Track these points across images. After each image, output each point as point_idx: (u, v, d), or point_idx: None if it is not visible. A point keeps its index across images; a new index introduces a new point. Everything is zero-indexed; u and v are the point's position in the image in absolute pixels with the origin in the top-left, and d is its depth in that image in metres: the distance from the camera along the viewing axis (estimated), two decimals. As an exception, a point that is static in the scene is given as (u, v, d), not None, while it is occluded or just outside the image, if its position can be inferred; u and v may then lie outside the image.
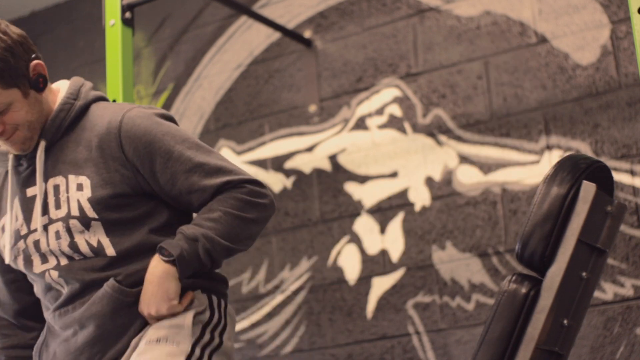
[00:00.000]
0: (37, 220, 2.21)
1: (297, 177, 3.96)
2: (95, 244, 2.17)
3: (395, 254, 3.72)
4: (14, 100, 2.17)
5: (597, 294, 3.32)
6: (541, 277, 2.06)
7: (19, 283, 2.36)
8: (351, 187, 3.85)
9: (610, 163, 3.35)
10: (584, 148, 3.46)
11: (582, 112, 3.49)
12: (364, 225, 3.79)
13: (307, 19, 4.06)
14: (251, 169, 4.04)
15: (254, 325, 3.92)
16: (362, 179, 3.84)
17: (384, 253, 3.74)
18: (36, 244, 2.21)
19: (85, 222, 2.17)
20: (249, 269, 3.97)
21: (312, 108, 3.99)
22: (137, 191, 2.20)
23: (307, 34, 4.04)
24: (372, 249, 3.76)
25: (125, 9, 3.24)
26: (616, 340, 3.30)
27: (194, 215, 2.26)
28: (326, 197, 3.88)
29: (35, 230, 2.21)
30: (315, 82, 4.00)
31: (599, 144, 3.45)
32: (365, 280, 3.75)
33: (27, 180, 2.25)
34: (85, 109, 2.26)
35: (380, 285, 3.72)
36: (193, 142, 2.21)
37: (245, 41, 4.19)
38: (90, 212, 2.17)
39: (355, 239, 3.80)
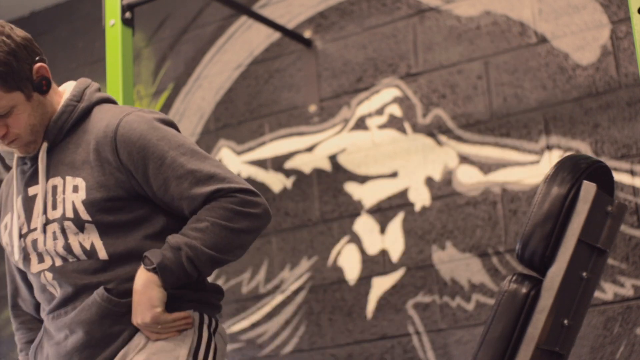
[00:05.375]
0: (36, 219, 2.22)
1: (297, 177, 3.96)
2: (88, 246, 2.17)
3: (395, 254, 3.72)
4: (17, 104, 2.17)
5: (597, 294, 3.32)
6: (541, 277, 2.06)
7: None
8: (351, 187, 3.85)
9: (610, 163, 3.35)
10: (584, 148, 3.46)
11: (582, 112, 3.49)
12: (364, 225, 3.79)
13: (307, 19, 4.06)
14: (251, 169, 4.04)
15: (254, 325, 3.92)
16: (362, 179, 3.84)
17: (384, 253, 3.74)
18: (34, 243, 2.22)
19: (79, 224, 2.17)
20: (249, 269, 3.97)
21: (312, 108, 3.99)
22: (132, 195, 2.19)
23: (307, 34, 4.04)
24: (372, 249, 3.76)
25: (125, 9, 3.24)
26: (616, 340, 3.30)
27: None
28: (326, 197, 3.88)
29: (35, 229, 2.22)
30: (315, 82, 4.00)
31: (599, 144, 3.45)
32: (365, 280, 3.75)
33: (30, 179, 2.26)
34: (88, 111, 2.26)
35: (380, 285, 3.72)
36: (188, 148, 2.19)
37: (245, 41, 4.19)
38: (84, 215, 2.17)
39: (355, 239, 3.80)
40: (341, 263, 3.81)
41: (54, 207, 2.20)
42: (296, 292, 3.85)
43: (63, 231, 2.18)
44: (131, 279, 2.15)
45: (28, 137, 2.21)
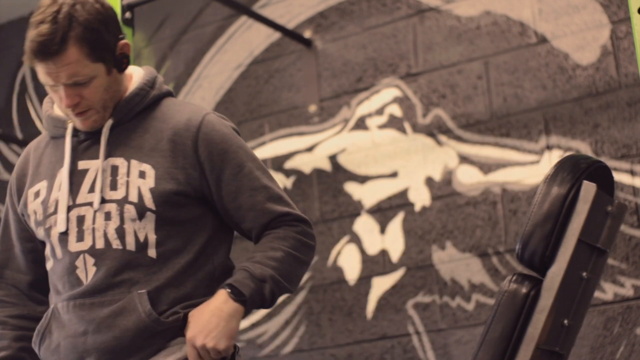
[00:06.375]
0: (85, 195, 2.15)
1: (297, 177, 3.96)
2: (142, 238, 2.13)
3: (395, 254, 3.72)
4: (97, 75, 2.13)
5: (597, 294, 3.32)
6: (541, 277, 2.06)
7: (37, 254, 2.27)
8: (351, 187, 3.85)
9: (610, 163, 3.35)
10: (584, 148, 3.46)
11: (582, 112, 3.49)
12: (364, 225, 3.79)
13: (307, 19, 4.06)
14: (251, 169, 4.04)
15: (254, 325, 3.92)
16: (362, 179, 3.84)
17: (384, 253, 3.74)
18: (80, 219, 2.14)
19: (141, 212, 2.13)
20: (249, 269, 3.97)
21: (312, 108, 3.99)
22: (197, 194, 2.18)
23: (307, 34, 4.04)
24: (372, 249, 3.76)
25: (125, 9, 3.24)
26: (616, 340, 3.30)
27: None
28: (326, 197, 3.88)
29: (82, 204, 2.14)
30: (315, 82, 4.00)
31: (599, 144, 3.45)
32: (365, 280, 3.75)
33: (82, 153, 2.19)
34: (158, 100, 2.25)
35: (380, 285, 3.72)
36: (260, 164, 2.23)
37: (245, 41, 4.19)
38: (149, 203, 2.13)
39: (355, 239, 3.80)
40: (341, 263, 3.81)
41: (114, 188, 2.14)
42: (296, 292, 3.85)
43: (121, 214, 2.12)
44: (180, 301, 2.12)
45: (98, 111, 2.17)
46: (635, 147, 3.39)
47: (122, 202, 2.13)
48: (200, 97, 4.23)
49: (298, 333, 3.83)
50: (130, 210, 2.13)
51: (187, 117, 2.20)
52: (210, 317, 2.08)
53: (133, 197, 2.14)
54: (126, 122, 2.21)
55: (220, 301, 2.09)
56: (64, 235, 2.15)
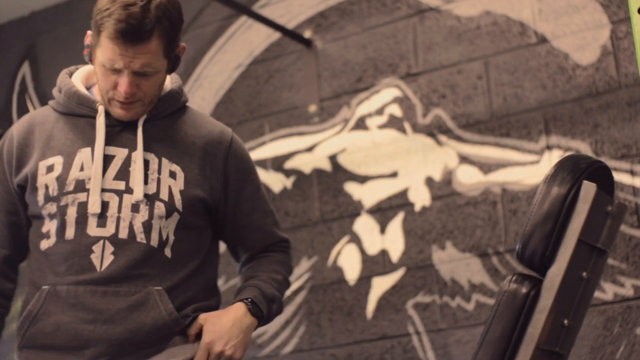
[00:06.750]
0: (111, 182, 2.14)
1: (297, 177, 3.96)
2: (165, 236, 2.15)
3: (395, 254, 3.72)
4: (161, 70, 2.16)
5: (597, 294, 3.32)
6: (541, 277, 2.06)
7: (20, 229, 2.23)
8: (351, 187, 3.85)
9: (610, 163, 3.36)
10: (584, 148, 3.46)
11: (582, 112, 3.49)
12: (364, 225, 3.79)
13: (307, 19, 4.06)
14: (251, 169, 4.05)
15: (254, 325, 3.92)
16: (362, 179, 3.84)
17: (384, 253, 3.74)
18: (104, 204, 2.12)
19: (170, 210, 2.16)
20: (249, 269, 3.97)
21: (312, 108, 3.99)
22: (212, 205, 2.24)
23: (307, 34, 4.04)
24: (372, 249, 3.76)
25: (125, 9, 3.23)
26: (616, 340, 3.30)
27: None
28: (326, 197, 3.88)
29: (108, 190, 2.13)
30: (315, 82, 4.00)
31: (599, 144, 3.45)
32: (365, 280, 3.75)
33: (111, 138, 2.18)
34: (184, 106, 2.30)
35: (380, 285, 3.72)
36: (264, 190, 2.37)
37: (245, 41, 4.19)
38: (178, 204, 2.17)
39: (355, 239, 3.80)
40: (341, 263, 3.81)
41: (144, 182, 2.14)
42: (296, 292, 3.85)
43: (151, 209, 2.13)
44: (188, 303, 2.17)
45: (144, 105, 2.18)
46: (635, 147, 3.39)
47: (152, 198, 2.15)
48: (200, 97, 4.23)
49: (298, 333, 3.83)
50: (160, 207, 2.15)
51: (219, 129, 2.27)
52: (231, 327, 2.14)
53: (164, 195, 2.16)
54: (157, 120, 2.23)
55: (241, 313, 2.17)
56: (82, 217, 2.12)
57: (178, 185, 2.17)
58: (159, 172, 2.17)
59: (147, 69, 2.11)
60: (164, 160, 2.19)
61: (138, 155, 2.16)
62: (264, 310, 2.20)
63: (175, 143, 2.21)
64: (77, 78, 2.28)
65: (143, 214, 2.14)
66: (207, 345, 2.12)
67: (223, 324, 2.14)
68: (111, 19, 2.07)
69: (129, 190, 2.14)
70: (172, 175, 2.18)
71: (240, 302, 2.19)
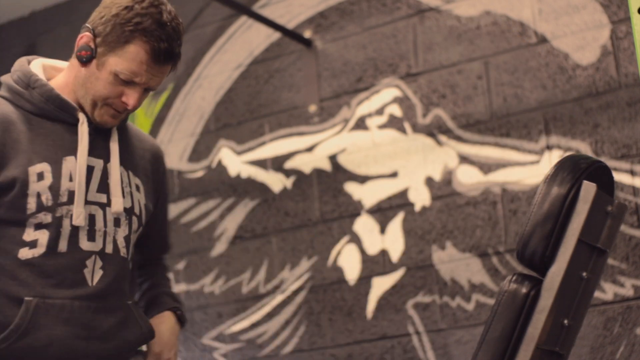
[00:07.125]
0: (95, 194, 2.11)
1: (297, 177, 3.96)
2: (132, 249, 2.20)
3: (395, 254, 3.72)
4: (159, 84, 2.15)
5: (597, 294, 3.32)
6: (541, 277, 2.06)
7: None
8: (351, 187, 3.85)
9: (610, 163, 3.35)
10: (584, 148, 3.46)
11: (582, 112, 3.49)
12: (364, 225, 3.79)
13: (307, 19, 4.06)
14: (251, 169, 4.04)
15: (254, 325, 3.92)
16: (362, 179, 3.84)
17: (384, 253, 3.74)
18: (91, 218, 2.08)
19: (139, 224, 2.21)
20: (249, 269, 3.97)
21: (312, 108, 3.99)
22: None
23: (307, 34, 4.04)
24: (372, 249, 3.76)
25: (125, 9, 3.23)
26: (616, 340, 3.30)
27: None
28: (326, 197, 3.88)
29: (92, 203, 2.10)
30: (315, 82, 4.00)
31: (599, 144, 3.45)
32: (365, 280, 3.75)
33: (90, 148, 2.12)
34: None
35: (380, 285, 3.72)
36: None
37: (245, 41, 4.19)
38: (144, 218, 2.22)
39: (355, 239, 3.80)
40: (341, 263, 3.81)
41: (122, 195, 2.14)
42: (296, 292, 3.85)
43: (129, 223, 2.15)
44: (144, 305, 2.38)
45: (127, 115, 2.19)
46: (635, 147, 3.39)
47: (130, 212, 2.16)
48: (200, 97, 4.23)
49: (298, 333, 3.83)
50: (134, 222, 2.18)
51: (156, 143, 2.32)
52: (170, 335, 2.28)
53: (137, 209, 2.19)
54: (119, 130, 2.21)
55: (174, 322, 2.31)
56: (75, 230, 2.07)
57: (142, 199, 2.20)
58: (130, 186, 2.17)
59: (157, 87, 2.13)
60: (130, 173, 2.19)
61: (114, 167, 2.13)
62: (186, 317, 2.35)
63: (132, 155, 2.21)
64: (40, 72, 2.14)
65: (124, 229, 2.14)
66: (157, 354, 2.26)
67: (166, 333, 2.28)
68: (151, 36, 2.01)
69: (110, 204, 2.12)
70: (137, 188, 2.20)
71: (169, 311, 2.31)
